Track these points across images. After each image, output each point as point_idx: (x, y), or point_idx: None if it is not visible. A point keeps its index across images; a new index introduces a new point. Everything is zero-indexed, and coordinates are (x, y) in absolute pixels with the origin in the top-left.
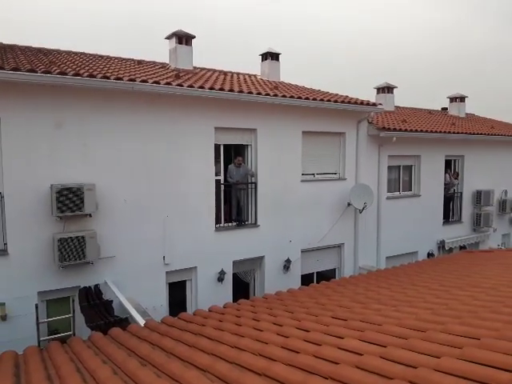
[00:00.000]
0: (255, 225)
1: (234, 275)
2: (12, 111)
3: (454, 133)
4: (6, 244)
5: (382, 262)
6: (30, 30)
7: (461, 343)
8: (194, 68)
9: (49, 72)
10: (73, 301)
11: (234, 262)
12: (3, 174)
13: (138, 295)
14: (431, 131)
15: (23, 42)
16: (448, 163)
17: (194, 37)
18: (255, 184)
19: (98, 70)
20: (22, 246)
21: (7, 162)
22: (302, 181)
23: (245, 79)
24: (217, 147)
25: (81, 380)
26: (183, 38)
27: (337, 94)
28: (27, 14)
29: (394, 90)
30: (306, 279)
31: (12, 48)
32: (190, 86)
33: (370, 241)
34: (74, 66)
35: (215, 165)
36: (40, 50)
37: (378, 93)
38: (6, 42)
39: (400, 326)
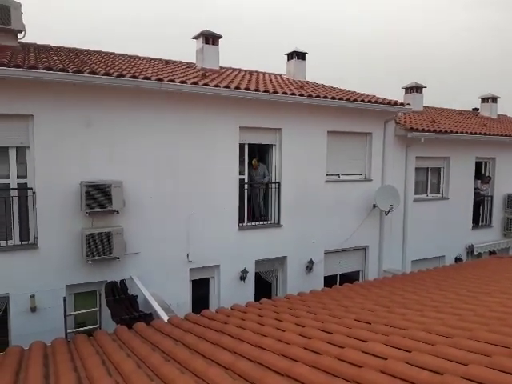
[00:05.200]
0: (278, 224)
1: (257, 274)
2: (44, 109)
3: (485, 134)
4: (36, 238)
5: (407, 265)
6: (59, 31)
7: (489, 351)
8: (221, 68)
9: (80, 71)
10: (99, 295)
11: (257, 262)
12: (35, 171)
13: (162, 291)
14: (461, 132)
15: (55, 42)
16: (479, 165)
17: (220, 37)
18: (279, 183)
19: (127, 69)
20: (52, 240)
21: (39, 158)
22: (327, 181)
23: (270, 79)
24: (241, 146)
25: (106, 372)
26: (210, 38)
27: (363, 94)
28: (58, 16)
29: (424, 90)
30: (329, 281)
31: (45, 48)
32: (216, 86)
33: (396, 244)
34: (104, 66)
35: (239, 164)
36: (71, 50)
37: (406, 93)
38: (39, 42)
39: (426, 332)
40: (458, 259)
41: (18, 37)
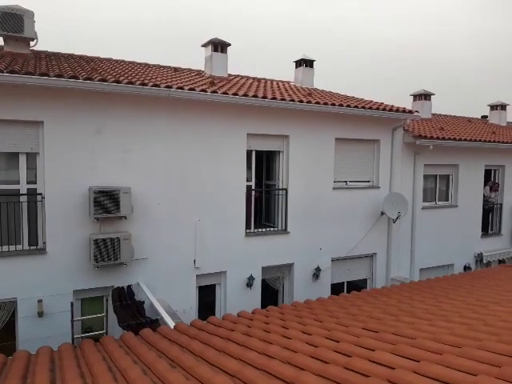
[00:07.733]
0: (285, 231)
1: (263, 281)
2: (55, 116)
3: (494, 142)
4: (45, 243)
5: (415, 273)
6: (71, 40)
7: (499, 361)
8: (229, 75)
9: (90, 79)
10: (106, 300)
11: (263, 268)
12: (45, 176)
13: (169, 297)
14: (470, 140)
15: (65, 49)
16: (488, 173)
17: (229, 44)
18: (286, 190)
19: (137, 77)
20: (60, 245)
21: (49, 164)
22: (334, 188)
23: (278, 86)
24: (248, 153)
25: (112, 378)
26: (219, 46)
27: (371, 101)
28: (69, 24)
29: (432, 97)
30: (336, 288)
31: (56, 55)
32: (224, 93)
33: (404, 252)
34: (114, 73)
35: (246, 170)
36: (82, 58)
37: (414, 100)
38: (50, 49)
39: (434, 341)
40: (466, 268)
41: (30, 44)
